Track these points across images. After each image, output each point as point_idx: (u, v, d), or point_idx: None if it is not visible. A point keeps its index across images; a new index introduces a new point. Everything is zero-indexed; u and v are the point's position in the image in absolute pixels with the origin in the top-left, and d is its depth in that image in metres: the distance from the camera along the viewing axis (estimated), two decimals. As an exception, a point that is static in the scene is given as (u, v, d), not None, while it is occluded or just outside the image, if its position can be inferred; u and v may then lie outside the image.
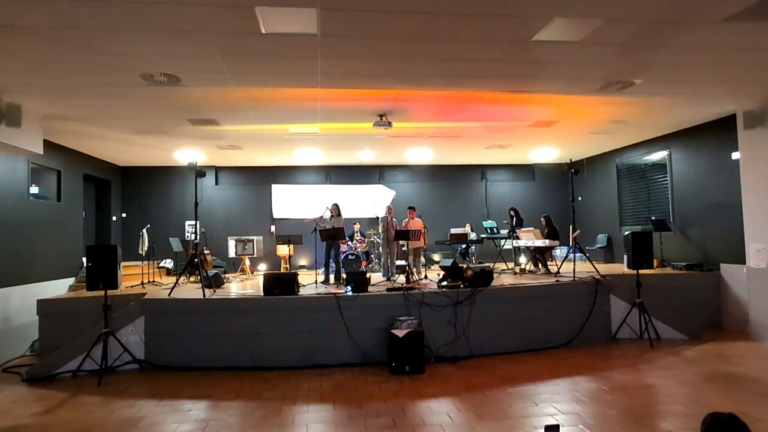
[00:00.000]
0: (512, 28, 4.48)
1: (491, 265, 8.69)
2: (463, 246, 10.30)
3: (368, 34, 4.57)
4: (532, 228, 9.18)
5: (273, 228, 12.15)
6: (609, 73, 5.79)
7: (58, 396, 5.38)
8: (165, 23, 4.22)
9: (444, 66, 5.44)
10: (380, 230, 9.35)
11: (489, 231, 10.34)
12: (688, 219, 8.94)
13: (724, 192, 8.04)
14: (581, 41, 4.75)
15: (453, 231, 10.48)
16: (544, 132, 8.99)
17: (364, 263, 10.35)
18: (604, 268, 8.77)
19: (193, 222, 7.61)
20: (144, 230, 9.11)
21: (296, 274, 7.00)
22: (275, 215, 12.28)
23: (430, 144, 9.97)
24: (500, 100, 6.94)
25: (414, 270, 8.70)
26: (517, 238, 9.49)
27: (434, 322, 6.51)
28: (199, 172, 7.44)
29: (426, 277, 8.43)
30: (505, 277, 8.57)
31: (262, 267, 11.63)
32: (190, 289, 7.52)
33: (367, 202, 12.41)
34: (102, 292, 6.01)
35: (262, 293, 6.66)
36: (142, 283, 8.48)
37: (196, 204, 7.37)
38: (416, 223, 9.06)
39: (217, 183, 12.19)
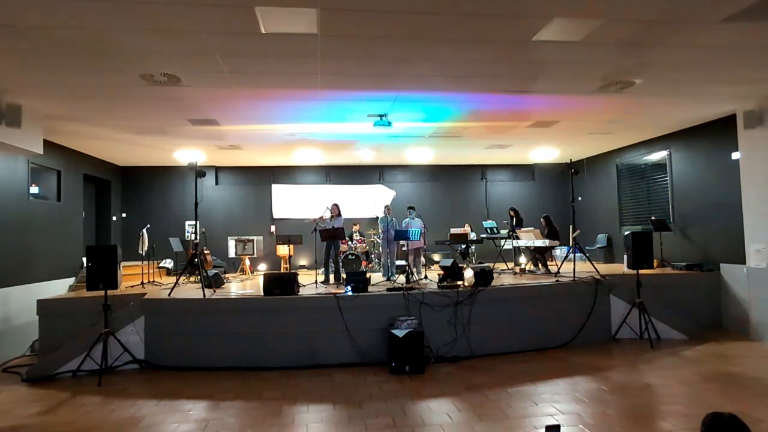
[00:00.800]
0: (512, 28, 4.48)
1: (491, 265, 8.69)
2: (463, 246, 10.30)
3: (368, 34, 4.57)
4: (532, 228, 9.18)
5: (273, 228, 12.14)
6: (609, 73, 5.79)
7: (58, 396, 5.38)
8: (165, 23, 4.22)
9: (444, 66, 5.44)
10: (380, 230, 9.36)
11: (489, 231, 10.34)
12: (688, 219, 8.94)
13: (724, 192, 8.04)
14: (581, 41, 4.75)
15: (453, 231, 10.48)
16: (544, 132, 8.99)
17: (364, 263, 10.35)
18: (604, 268, 8.77)
19: (193, 222, 7.61)
20: (144, 230, 9.11)
21: (296, 274, 7.00)
22: (275, 215, 12.28)
23: (430, 144, 9.97)
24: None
25: (414, 270, 8.70)
26: (517, 238, 9.49)
27: (434, 322, 6.51)
28: (199, 172, 7.44)
29: (426, 277, 8.43)
30: (505, 277, 8.57)
31: (262, 267, 11.63)
32: (190, 289, 7.52)
33: (367, 202, 12.40)
34: (102, 292, 6.01)
35: (262, 293, 6.66)
36: (142, 283, 8.48)
37: (196, 204, 7.37)
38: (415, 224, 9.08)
39: (217, 183, 12.19)
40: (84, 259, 7.48)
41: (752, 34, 4.67)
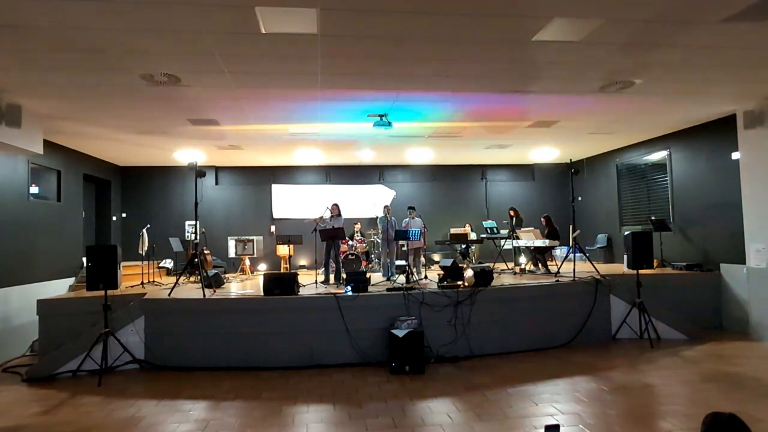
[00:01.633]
0: (512, 28, 4.48)
1: (491, 265, 8.69)
2: (463, 246, 10.30)
3: (368, 34, 4.57)
4: (532, 228, 9.18)
5: (273, 228, 12.15)
6: (609, 73, 5.79)
7: (58, 396, 5.38)
8: (165, 23, 4.22)
9: (444, 66, 5.44)
10: (380, 230, 9.35)
11: (489, 231, 10.34)
12: (688, 219, 8.94)
13: (724, 192, 8.04)
14: (581, 41, 4.75)
15: (453, 231, 10.48)
16: (544, 132, 8.99)
17: (364, 263, 10.35)
18: (604, 268, 8.77)
19: (193, 222, 7.60)
20: (144, 230, 9.11)
21: (296, 274, 6.99)
22: (275, 215, 12.28)
23: (430, 144, 9.97)
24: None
25: (414, 270, 8.70)
26: (517, 238, 9.49)
27: (434, 322, 6.51)
28: (199, 172, 7.44)
29: (426, 277, 8.43)
30: (505, 277, 8.57)
31: (262, 267, 11.63)
32: (190, 289, 7.52)
33: (367, 202, 12.40)
34: (102, 292, 6.00)
35: (262, 293, 6.65)
36: (142, 283, 8.47)
37: (196, 204, 7.37)
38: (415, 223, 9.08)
39: (217, 183, 12.19)
40: (84, 259, 7.48)
41: (752, 34, 4.67)
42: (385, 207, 9.30)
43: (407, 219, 9.32)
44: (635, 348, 6.84)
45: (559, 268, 8.40)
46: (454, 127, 8.46)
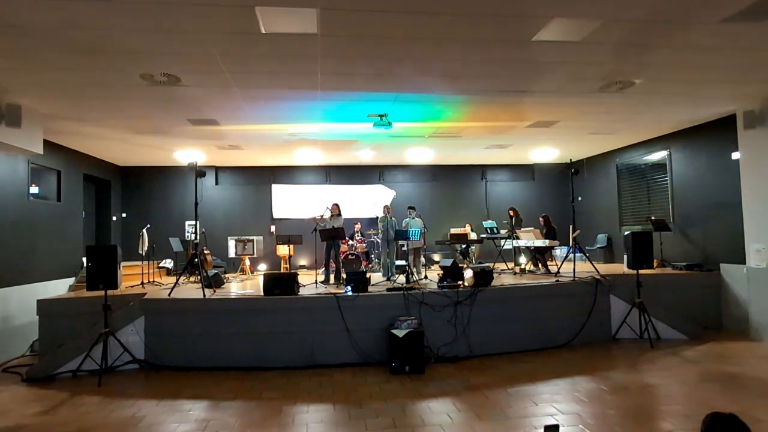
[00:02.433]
0: (512, 28, 4.48)
1: (491, 265, 8.69)
2: (463, 246, 10.30)
3: (368, 34, 4.57)
4: (532, 228, 9.18)
5: (273, 228, 12.15)
6: (609, 73, 5.79)
7: (58, 396, 5.38)
8: (165, 23, 4.22)
9: (443, 66, 5.44)
10: (379, 230, 9.35)
11: (489, 231, 10.35)
12: (688, 219, 8.94)
13: (724, 192, 8.04)
14: (581, 41, 4.75)
15: (453, 231, 10.48)
16: (544, 132, 8.98)
17: (364, 263, 10.35)
18: (604, 268, 8.77)
19: (193, 222, 7.61)
20: (144, 230, 9.11)
21: (296, 274, 6.99)
22: (275, 215, 12.28)
23: (430, 144, 9.97)
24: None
25: (414, 270, 8.69)
26: (517, 238, 9.49)
27: (434, 322, 6.51)
28: (199, 172, 7.44)
29: (426, 277, 8.43)
30: (505, 277, 8.57)
31: (262, 267, 11.63)
32: (190, 289, 7.52)
33: (367, 202, 12.40)
34: (102, 292, 6.01)
35: (262, 293, 6.66)
36: (142, 283, 8.48)
37: (196, 204, 7.37)
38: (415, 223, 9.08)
39: (217, 183, 12.19)
40: (84, 259, 7.48)
41: (752, 34, 4.67)
42: (385, 207, 9.30)
43: (407, 219, 9.32)
44: (635, 348, 6.84)
45: (559, 268, 8.40)
46: (454, 127, 8.46)
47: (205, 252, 9.44)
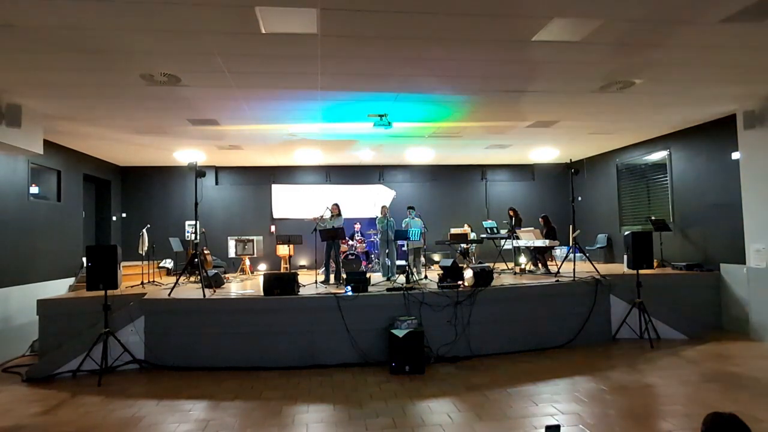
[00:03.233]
0: (512, 28, 4.48)
1: (491, 265, 8.69)
2: (463, 246, 10.30)
3: (368, 34, 4.57)
4: (532, 228, 9.18)
5: (273, 228, 12.15)
6: (609, 73, 5.79)
7: (58, 396, 5.38)
8: (165, 23, 4.22)
9: (443, 66, 5.44)
10: (378, 230, 9.35)
11: (489, 231, 10.34)
12: (688, 219, 8.94)
13: (724, 192, 8.04)
14: (581, 41, 4.75)
15: (453, 231, 10.48)
16: (544, 132, 8.98)
17: (364, 263, 10.35)
18: (604, 268, 8.77)
19: (193, 222, 7.60)
20: (144, 230, 9.11)
21: (296, 274, 6.99)
22: (275, 215, 12.28)
23: (430, 144, 9.97)
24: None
25: (414, 270, 8.69)
26: (517, 238, 9.49)
27: (434, 322, 6.51)
28: (199, 172, 7.44)
29: (426, 277, 8.43)
30: (505, 277, 8.57)
31: (262, 267, 11.63)
32: (190, 289, 7.52)
33: (367, 202, 12.40)
34: (102, 292, 6.01)
35: (262, 293, 6.66)
36: (142, 283, 8.48)
37: (196, 204, 7.37)
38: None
39: (217, 183, 12.19)
40: (84, 259, 7.48)
41: (752, 34, 4.67)
42: (383, 208, 9.25)
43: (407, 219, 9.32)
44: (635, 348, 6.84)
45: (559, 268, 8.40)
46: (454, 127, 8.46)
47: (205, 252, 9.44)
